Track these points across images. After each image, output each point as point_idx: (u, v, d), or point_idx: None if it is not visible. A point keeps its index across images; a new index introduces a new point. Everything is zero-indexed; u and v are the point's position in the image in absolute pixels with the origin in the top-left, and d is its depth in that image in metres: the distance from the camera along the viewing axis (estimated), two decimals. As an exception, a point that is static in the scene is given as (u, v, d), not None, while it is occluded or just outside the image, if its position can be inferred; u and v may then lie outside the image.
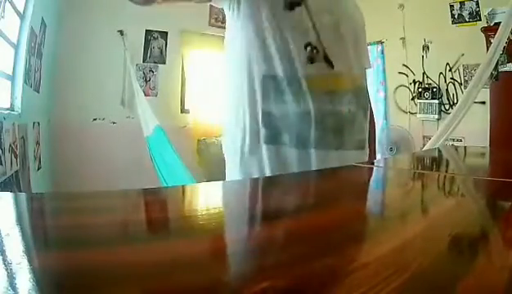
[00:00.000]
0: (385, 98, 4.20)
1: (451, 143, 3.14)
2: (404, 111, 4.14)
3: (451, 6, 3.67)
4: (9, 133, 2.08)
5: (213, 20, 4.02)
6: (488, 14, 3.33)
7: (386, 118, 4.19)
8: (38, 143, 2.79)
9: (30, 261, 0.22)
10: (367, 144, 0.93)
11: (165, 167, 3.07)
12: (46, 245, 0.26)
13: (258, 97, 0.81)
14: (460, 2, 3.62)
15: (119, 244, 0.27)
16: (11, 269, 0.21)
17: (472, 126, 3.14)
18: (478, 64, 2.92)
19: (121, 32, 3.49)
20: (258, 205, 0.43)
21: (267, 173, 0.79)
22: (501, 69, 2.82)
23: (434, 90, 3.87)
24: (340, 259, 0.26)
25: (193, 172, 3.27)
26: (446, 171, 0.86)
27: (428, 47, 3.90)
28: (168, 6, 0.76)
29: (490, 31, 3.07)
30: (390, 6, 4.04)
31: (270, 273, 0.22)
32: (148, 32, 3.74)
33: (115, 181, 3.06)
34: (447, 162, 1.06)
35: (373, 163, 0.90)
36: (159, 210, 0.40)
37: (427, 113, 3.92)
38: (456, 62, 3.70)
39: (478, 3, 3.52)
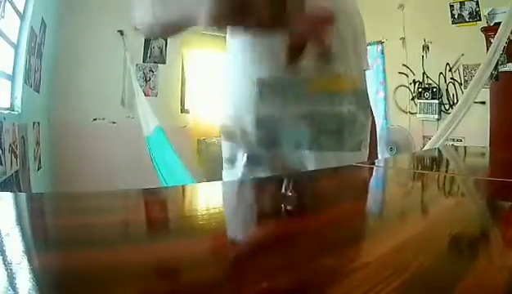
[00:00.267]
0: (385, 98, 4.20)
1: (451, 143, 3.14)
2: (404, 111, 4.15)
3: (451, 6, 3.68)
4: (9, 133, 2.08)
5: (213, 20, 4.01)
6: (488, 14, 3.33)
7: (386, 118, 4.19)
8: (38, 143, 2.79)
9: (30, 261, 0.22)
10: (367, 145, 0.94)
11: (165, 167, 3.07)
12: (46, 245, 0.26)
13: (255, 100, 0.81)
14: (460, 2, 3.63)
15: (119, 244, 0.27)
16: (11, 269, 0.21)
17: (472, 126, 3.14)
18: (478, 64, 2.92)
19: (121, 32, 3.49)
20: (258, 205, 0.43)
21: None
22: (501, 69, 2.82)
23: (434, 90, 3.88)
24: (340, 259, 0.26)
25: (193, 172, 3.27)
26: (446, 171, 0.86)
27: (428, 47, 3.90)
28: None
29: (490, 31, 3.07)
30: (390, 6, 4.04)
31: (270, 273, 0.22)
32: (148, 32, 3.73)
33: (115, 181, 3.06)
34: (447, 162, 1.06)
35: (373, 163, 0.90)
36: (159, 210, 0.40)
37: (427, 113, 3.92)
38: (456, 62, 3.70)
39: (478, 3, 3.52)
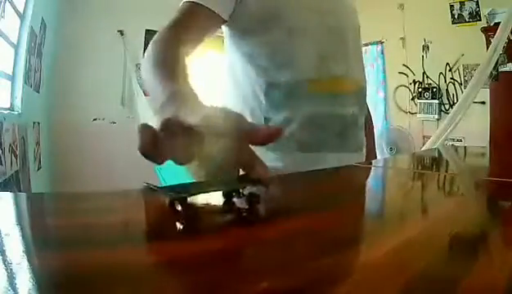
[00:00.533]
0: (385, 98, 4.21)
1: (450, 143, 3.14)
2: (404, 111, 4.15)
3: (451, 6, 3.68)
4: (9, 133, 2.08)
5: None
6: (488, 14, 3.33)
7: (386, 118, 4.20)
8: (38, 143, 2.79)
9: (30, 261, 0.22)
10: (365, 146, 0.93)
11: (165, 167, 3.07)
12: (46, 245, 0.26)
13: (260, 104, 0.80)
14: (460, 2, 3.63)
15: (119, 244, 0.26)
16: (11, 269, 0.21)
17: (472, 126, 3.14)
18: (478, 64, 2.92)
19: (121, 32, 3.49)
20: (257, 205, 0.43)
21: None
22: (501, 69, 2.82)
23: (434, 90, 3.88)
24: (340, 259, 0.26)
25: (193, 172, 3.26)
26: (446, 171, 0.86)
27: (428, 47, 3.90)
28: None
29: (490, 31, 3.07)
30: (390, 6, 4.04)
31: (269, 273, 0.22)
32: (148, 32, 3.73)
33: (115, 181, 3.06)
34: (447, 162, 1.06)
35: (373, 163, 0.90)
36: (159, 210, 0.40)
37: (427, 113, 3.92)
38: (456, 62, 3.70)
39: (478, 3, 3.52)
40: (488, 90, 2.98)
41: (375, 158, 1.05)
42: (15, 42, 2.35)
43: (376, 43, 4.19)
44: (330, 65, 0.80)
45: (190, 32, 0.69)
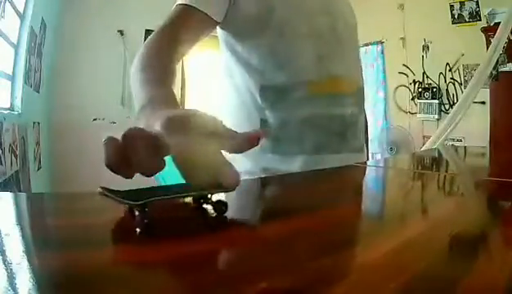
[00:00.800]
0: (385, 98, 4.21)
1: (450, 143, 3.14)
2: (404, 111, 4.15)
3: (451, 6, 3.68)
4: (9, 133, 2.08)
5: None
6: (488, 14, 3.33)
7: (386, 118, 4.20)
8: (38, 143, 2.79)
9: (30, 261, 0.22)
10: (366, 146, 0.93)
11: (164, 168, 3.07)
12: (46, 245, 0.26)
13: (257, 106, 0.79)
14: (460, 2, 3.63)
15: (119, 244, 0.26)
16: (11, 269, 0.21)
17: (472, 126, 3.14)
18: (478, 64, 2.92)
19: (121, 32, 3.49)
20: (257, 205, 0.43)
21: None
22: (501, 69, 2.82)
23: (434, 90, 3.88)
24: (340, 259, 0.26)
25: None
26: (446, 171, 0.86)
27: (428, 47, 3.90)
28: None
29: (490, 31, 3.07)
30: (390, 6, 4.04)
31: (269, 273, 0.22)
32: (148, 32, 3.73)
33: (115, 181, 3.05)
34: (447, 162, 1.06)
35: (373, 163, 0.90)
36: (158, 210, 0.40)
37: (427, 113, 3.92)
38: (456, 62, 3.70)
39: (478, 3, 3.52)
40: (488, 90, 2.98)
41: (367, 157, 1.04)
42: (15, 42, 2.35)
43: (376, 43, 4.19)
44: (327, 65, 0.79)
45: (183, 35, 0.69)
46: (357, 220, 0.38)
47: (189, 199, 0.35)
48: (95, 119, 3.47)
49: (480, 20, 3.48)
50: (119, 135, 0.31)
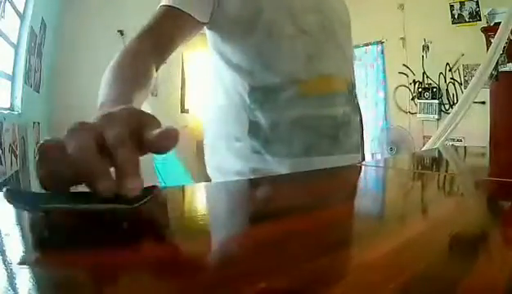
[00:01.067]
0: (385, 98, 4.21)
1: (450, 143, 3.14)
2: (404, 111, 4.15)
3: (451, 6, 3.68)
4: (9, 133, 2.08)
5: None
6: (488, 14, 3.33)
7: (386, 118, 4.20)
8: (38, 143, 2.78)
9: (30, 261, 0.22)
10: (361, 146, 0.90)
11: (163, 168, 3.07)
12: (46, 245, 0.26)
13: (246, 107, 0.77)
14: (460, 2, 3.63)
15: (119, 244, 0.26)
16: (11, 269, 0.21)
17: (472, 126, 3.14)
18: (478, 64, 2.92)
19: (121, 32, 3.49)
20: (257, 205, 0.43)
21: None
22: (501, 69, 2.82)
23: (434, 90, 3.88)
24: (339, 259, 0.26)
25: (192, 172, 3.27)
26: (446, 172, 0.86)
27: (428, 47, 3.91)
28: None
29: (490, 31, 3.07)
30: (390, 6, 4.05)
31: (268, 273, 0.22)
32: (148, 32, 3.73)
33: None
34: (447, 162, 1.06)
35: (372, 163, 0.90)
36: (158, 210, 0.40)
37: (427, 113, 3.92)
38: (456, 62, 3.71)
39: (478, 3, 3.52)
40: (488, 90, 2.98)
41: (363, 157, 0.99)
42: (15, 42, 2.35)
43: (376, 43, 4.19)
44: (317, 65, 0.77)
45: (165, 37, 0.69)
46: (356, 221, 0.38)
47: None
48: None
49: (480, 20, 3.49)
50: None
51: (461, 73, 3.70)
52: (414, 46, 3.97)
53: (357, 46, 4.19)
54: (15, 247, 0.25)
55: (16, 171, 2.18)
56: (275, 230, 0.31)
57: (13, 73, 2.34)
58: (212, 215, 0.38)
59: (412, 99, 4.08)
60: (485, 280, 0.21)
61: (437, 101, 3.85)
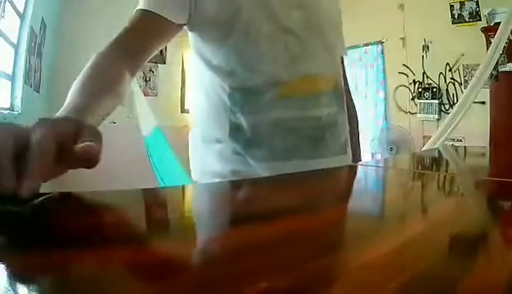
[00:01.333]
0: (385, 98, 4.21)
1: (450, 143, 3.14)
2: (404, 111, 4.15)
3: (451, 6, 3.68)
4: (9, 133, 2.07)
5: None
6: (488, 14, 3.33)
7: (386, 118, 4.20)
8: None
9: (30, 261, 0.22)
10: (349, 146, 0.86)
11: (163, 168, 3.07)
12: (46, 245, 0.26)
13: (226, 109, 0.75)
14: (460, 2, 3.63)
15: (118, 244, 0.26)
16: (11, 269, 0.21)
17: (472, 126, 3.14)
18: (478, 64, 2.92)
19: (121, 32, 3.49)
20: (257, 205, 0.43)
21: None
22: (501, 69, 2.82)
23: (434, 90, 3.88)
24: (340, 259, 0.26)
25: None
26: (446, 172, 0.86)
27: (428, 47, 3.90)
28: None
29: (490, 31, 3.07)
30: (390, 6, 4.04)
31: (269, 273, 0.22)
32: (148, 32, 3.73)
33: (115, 181, 3.05)
34: (447, 162, 1.06)
35: (372, 163, 0.89)
36: (158, 210, 0.40)
37: (427, 113, 3.92)
38: (456, 62, 3.70)
39: (478, 3, 3.52)
40: (488, 90, 2.98)
41: (360, 157, 0.96)
42: (15, 42, 2.35)
43: (376, 43, 4.19)
44: (300, 64, 0.75)
45: (140, 42, 0.68)
46: (356, 221, 0.38)
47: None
48: (95, 119, 3.47)
49: (480, 20, 3.48)
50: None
51: (461, 73, 3.70)
52: (414, 46, 3.97)
53: (357, 46, 4.19)
54: (15, 247, 0.25)
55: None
56: (275, 230, 0.31)
57: (13, 73, 2.34)
58: (211, 215, 0.38)
59: (412, 99, 4.08)
60: (485, 280, 0.21)
61: (437, 101, 3.85)
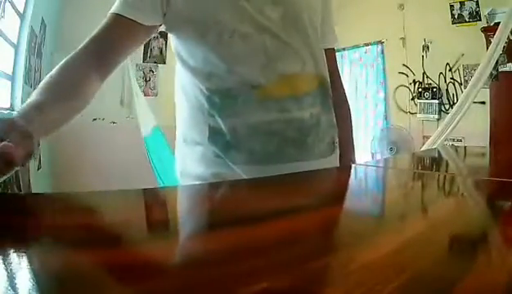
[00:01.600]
0: (385, 98, 4.21)
1: (450, 143, 3.14)
2: (404, 111, 4.14)
3: (451, 6, 3.67)
4: (9, 133, 2.07)
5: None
6: (488, 14, 3.33)
7: (386, 118, 4.20)
8: (38, 143, 2.79)
9: (30, 261, 0.22)
10: (337, 146, 0.83)
11: (162, 168, 3.07)
12: (45, 245, 0.26)
13: (204, 112, 0.74)
14: (460, 2, 3.62)
15: (118, 244, 0.26)
16: (11, 269, 0.21)
17: (472, 126, 3.14)
18: (478, 64, 2.92)
19: (121, 32, 3.49)
20: (257, 205, 0.43)
21: None
22: (501, 69, 2.82)
23: (434, 90, 3.87)
24: (339, 259, 0.26)
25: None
26: (446, 172, 0.86)
27: (428, 47, 3.90)
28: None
29: (490, 31, 3.07)
30: (390, 6, 4.04)
31: (269, 273, 0.22)
32: (148, 32, 3.73)
33: (115, 181, 3.06)
34: (447, 162, 1.06)
35: (372, 163, 0.89)
36: (158, 210, 0.40)
37: (427, 113, 3.92)
38: (456, 62, 3.70)
39: (478, 3, 3.52)
40: (488, 90, 2.98)
41: (353, 151, 0.91)
42: (15, 42, 2.35)
43: (376, 43, 4.18)
44: (280, 65, 0.72)
45: (111, 45, 0.70)
46: (356, 221, 0.38)
47: None
48: (94, 119, 3.47)
49: (480, 20, 3.48)
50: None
51: (461, 73, 3.70)
52: (414, 46, 3.97)
53: (357, 46, 4.19)
54: (16, 247, 0.25)
55: (16, 171, 2.18)
56: (275, 230, 0.31)
57: (13, 73, 2.34)
58: (211, 215, 0.38)
59: (412, 99, 4.08)
60: (485, 280, 0.21)
61: (437, 101, 3.85)
